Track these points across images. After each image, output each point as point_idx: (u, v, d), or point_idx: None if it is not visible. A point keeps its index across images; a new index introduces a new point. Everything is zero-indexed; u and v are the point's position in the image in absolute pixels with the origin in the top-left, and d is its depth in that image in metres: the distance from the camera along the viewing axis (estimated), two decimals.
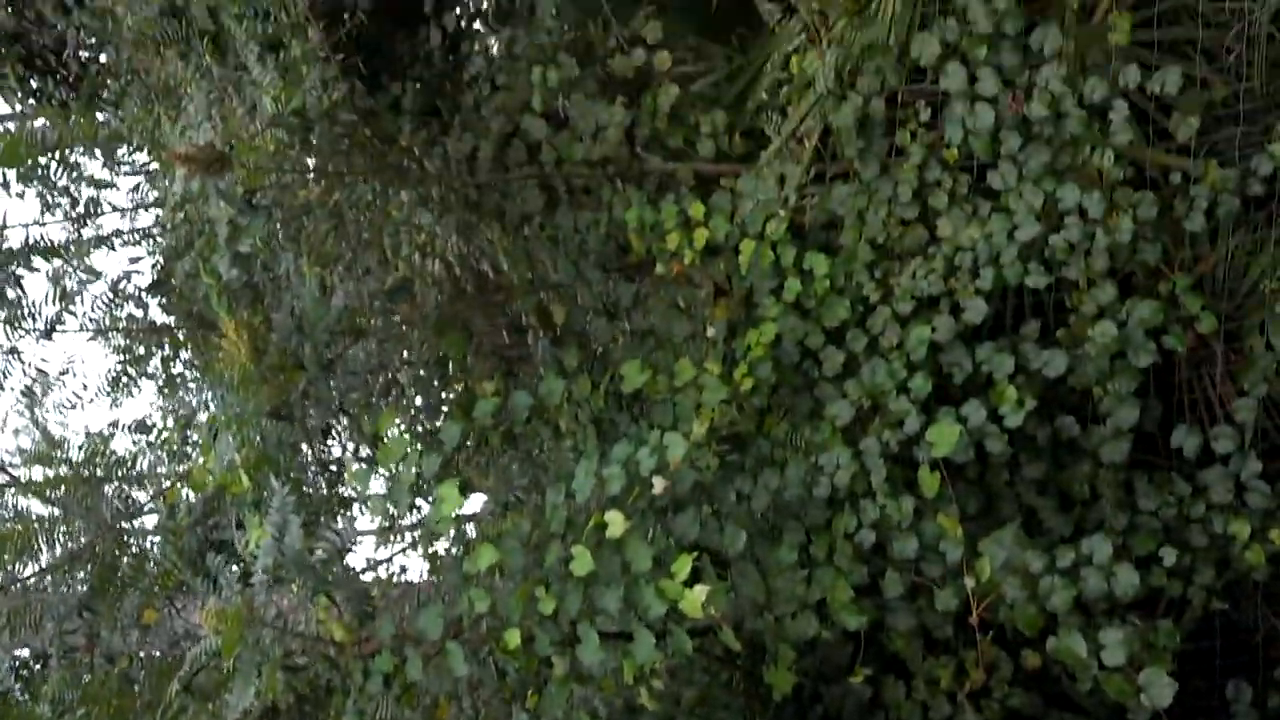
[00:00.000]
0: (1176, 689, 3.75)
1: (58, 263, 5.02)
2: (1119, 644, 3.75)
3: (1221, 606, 4.36)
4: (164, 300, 5.07)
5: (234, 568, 4.01)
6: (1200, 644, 4.51)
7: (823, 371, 4.50)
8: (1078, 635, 3.82)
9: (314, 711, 3.88)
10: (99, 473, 4.70)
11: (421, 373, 4.67)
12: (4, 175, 5.61)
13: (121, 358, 5.07)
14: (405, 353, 4.67)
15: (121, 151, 5.51)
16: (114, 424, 5.04)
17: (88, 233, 5.28)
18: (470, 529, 4.48)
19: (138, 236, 5.24)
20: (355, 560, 4.08)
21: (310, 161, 5.11)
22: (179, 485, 4.55)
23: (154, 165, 5.44)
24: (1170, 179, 4.46)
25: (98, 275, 5.20)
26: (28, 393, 5.13)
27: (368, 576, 4.68)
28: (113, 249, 5.21)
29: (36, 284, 5.55)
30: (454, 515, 4.13)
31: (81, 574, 4.36)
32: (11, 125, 5.93)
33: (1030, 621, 3.97)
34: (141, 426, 5.01)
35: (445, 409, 4.55)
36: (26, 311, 5.11)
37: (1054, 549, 4.02)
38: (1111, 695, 3.83)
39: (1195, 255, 4.57)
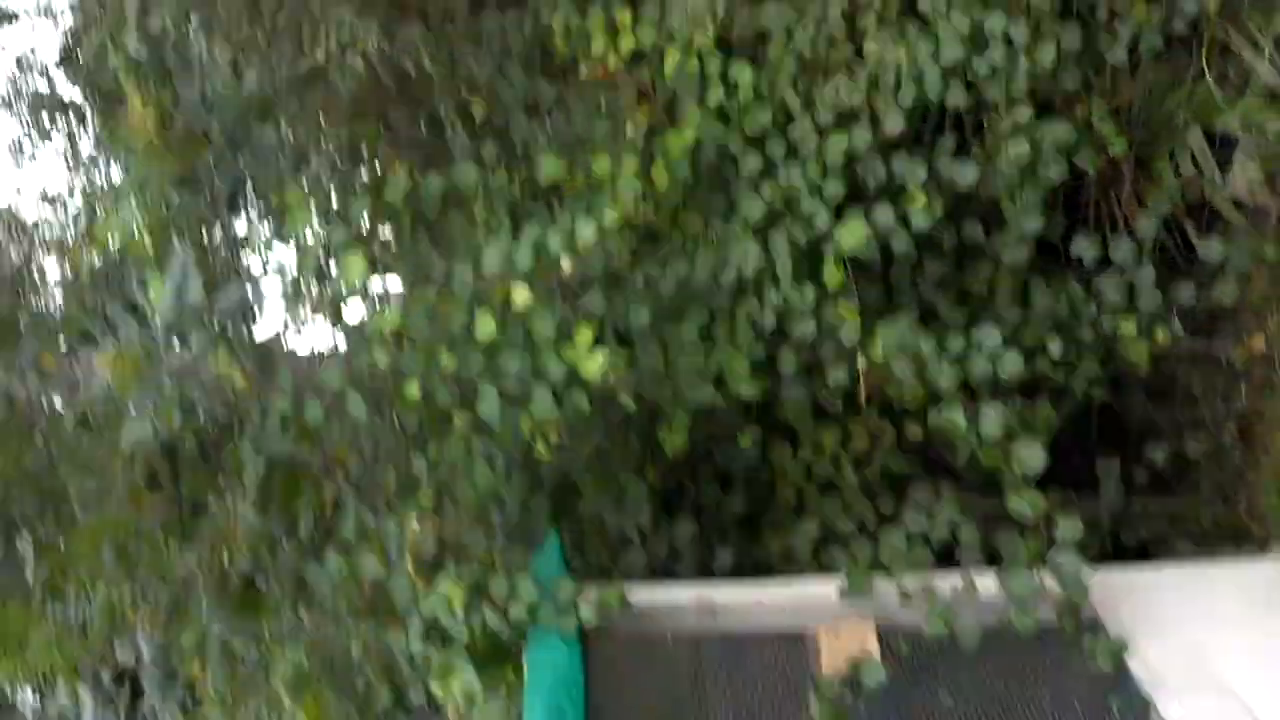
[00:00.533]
0: (1047, 460, 4.27)
1: None
2: (997, 418, 4.30)
3: (1102, 398, 4.93)
4: (71, 74, 5.49)
5: (135, 322, 4.51)
6: (1080, 428, 5.13)
7: (740, 173, 4.92)
8: (959, 409, 4.34)
9: (213, 454, 4.39)
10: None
11: (333, 154, 5.15)
12: None
13: (26, 129, 5.48)
14: (319, 138, 5.15)
15: None
16: (17, 190, 5.48)
17: None
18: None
19: (44, 11, 5.65)
20: (260, 328, 4.57)
21: None
22: (83, 247, 5.02)
23: None
24: (1097, 15, 4.87)
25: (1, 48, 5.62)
26: None
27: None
28: (14, 19, 5.61)
29: None
30: (360, 284, 4.69)
31: None
32: None
33: (916, 398, 4.53)
34: (46, 198, 5.44)
35: (356, 189, 5.04)
36: None
37: (945, 336, 4.53)
38: (986, 464, 4.37)
39: (1114, 85, 5.06)
